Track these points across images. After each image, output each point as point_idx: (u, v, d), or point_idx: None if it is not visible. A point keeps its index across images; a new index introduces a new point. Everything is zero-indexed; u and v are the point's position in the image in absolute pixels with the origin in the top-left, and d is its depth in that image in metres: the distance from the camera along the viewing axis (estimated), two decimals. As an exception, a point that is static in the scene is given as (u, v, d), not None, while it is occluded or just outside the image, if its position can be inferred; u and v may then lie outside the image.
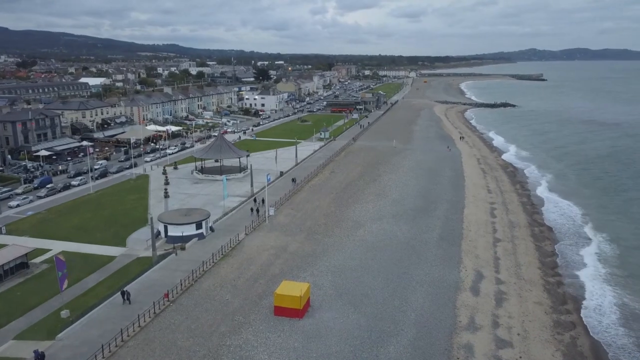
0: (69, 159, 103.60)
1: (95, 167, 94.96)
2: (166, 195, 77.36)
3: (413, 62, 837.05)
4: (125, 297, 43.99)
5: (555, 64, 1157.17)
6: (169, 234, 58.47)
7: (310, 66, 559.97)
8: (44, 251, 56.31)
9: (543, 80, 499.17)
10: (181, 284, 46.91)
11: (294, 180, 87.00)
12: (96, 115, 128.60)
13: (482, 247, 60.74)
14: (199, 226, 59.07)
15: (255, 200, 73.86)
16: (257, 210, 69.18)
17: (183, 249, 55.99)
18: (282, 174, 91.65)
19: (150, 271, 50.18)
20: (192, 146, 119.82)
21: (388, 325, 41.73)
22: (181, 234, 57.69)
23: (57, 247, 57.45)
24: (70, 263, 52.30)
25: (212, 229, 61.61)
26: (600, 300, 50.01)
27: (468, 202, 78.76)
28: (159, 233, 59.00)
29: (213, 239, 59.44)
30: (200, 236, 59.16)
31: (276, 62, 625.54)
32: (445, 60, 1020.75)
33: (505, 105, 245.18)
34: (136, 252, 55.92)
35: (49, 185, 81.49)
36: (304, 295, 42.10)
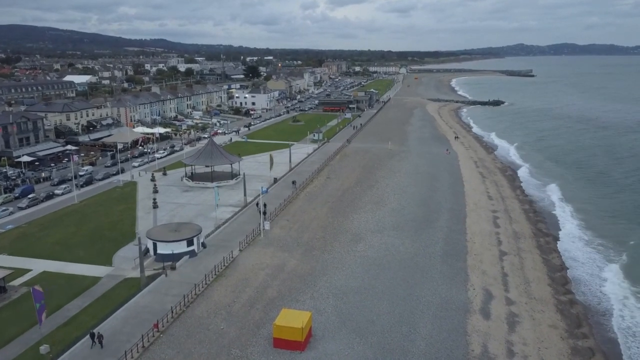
0: (52, 165, 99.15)
1: (80, 173, 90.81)
2: (155, 206, 73.69)
3: (402, 57, 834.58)
4: (96, 341, 38.47)
5: (543, 59, 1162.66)
6: (158, 251, 54.93)
7: (300, 62, 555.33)
8: (23, 272, 52.57)
9: (532, 76, 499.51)
10: (172, 311, 43.45)
11: (294, 182, 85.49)
12: (81, 117, 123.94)
13: (488, 261, 57.98)
14: (190, 243, 55.59)
15: (257, 204, 70.24)
16: (264, 213, 67.73)
17: (173, 268, 52.51)
18: (276, 180, 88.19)
19: (139, 296, 46.66)
20: (181, 149, 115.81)
21: (397, 357, 38.72)
22: (171, 252, 54.18)
23: (37, 266, 53.77)
24: (52, 286, 49.02)
25: (204, 245, 58.14)
26: (617, 321, 47.44)
27: (469, 211, 76.03)
28: (147, 251, 55.51)
29: (205, 257, 56.00)
30: (192, 254, 55.68)
31: (265, 58, 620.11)
32: (435, 56, 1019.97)
33: (497, 103, 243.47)
34: (123, 272, 52.33)
35: (30, 195, 77.29)
36: (306, 325, 38.92)
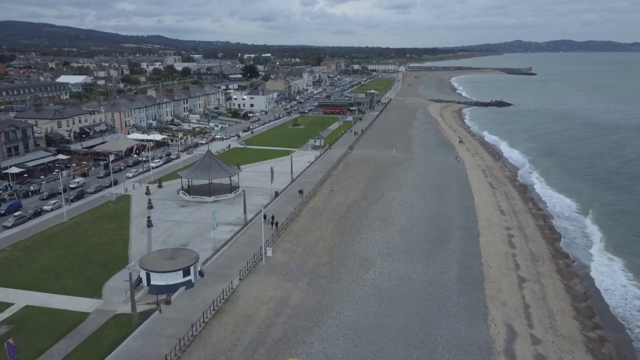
0: (42, 176, 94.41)
1: (72, 185, 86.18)
2: (149, 224, 69.36)
3: (401, 54, 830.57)
4: None
5: (540, 56, 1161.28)
6: (152, 282, 50.66)
7: (298, 59, 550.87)
8: (5, 306, 48.34)
9: (532, 74, 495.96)
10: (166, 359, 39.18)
11: (300, 192, 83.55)
12: (73, 123, 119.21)
13: (507, 290, 53.90)
14: (186, 273, 51.30)
15: (264, 216, 66.57)
16: (276, 224, 67.52)
17: (168, 302, 48.22)
18: (277, 194, 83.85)
19: (130, 338, 42.32)
20: (177, 157, 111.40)
21: (418, 416, 34.65)
22: (166, 283, 49.93)
23: (20, 300, 49.46)
24: (35, 325, 44.83)
25: (201, 274, 53.84)
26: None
27: (482, 228, 71.94)
28: (140, 281, 51.27)
29: (203, 287, 51.74)
30: (188, 284, 51.40)
31: (263, 55, 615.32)
32: (433, 52, 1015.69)
33: (500, 104, 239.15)
34: (114, 307, 48.04)
35: (17, 213, 72.75)
36: (316, 381, 34.78)
